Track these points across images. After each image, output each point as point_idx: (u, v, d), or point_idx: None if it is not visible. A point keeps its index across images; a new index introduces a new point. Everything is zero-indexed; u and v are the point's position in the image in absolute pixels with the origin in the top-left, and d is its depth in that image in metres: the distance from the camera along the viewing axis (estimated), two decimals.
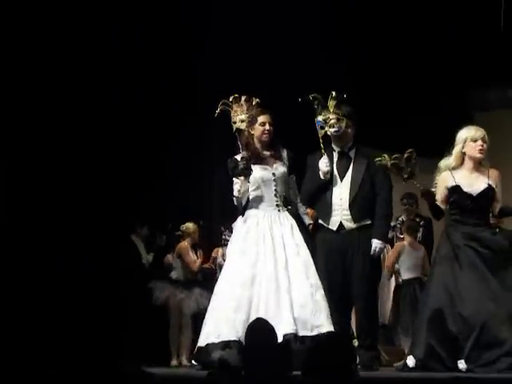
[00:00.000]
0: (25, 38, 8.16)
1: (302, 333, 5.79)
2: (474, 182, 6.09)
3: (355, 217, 6.27)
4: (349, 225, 6.29)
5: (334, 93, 6.23)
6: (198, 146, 9.64)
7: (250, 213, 6.14)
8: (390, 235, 7.76)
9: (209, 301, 6.26)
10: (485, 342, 5.77)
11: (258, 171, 6.11)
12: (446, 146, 6.22)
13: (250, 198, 6.15)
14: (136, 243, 9.15)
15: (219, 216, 9.41)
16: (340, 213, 6.30)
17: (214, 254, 9.21)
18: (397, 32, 9.56)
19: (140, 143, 9.15)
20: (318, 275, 6.04)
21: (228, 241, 6.68)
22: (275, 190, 6.17)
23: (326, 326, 5.85)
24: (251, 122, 6.15)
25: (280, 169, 6.21)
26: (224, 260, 7.00)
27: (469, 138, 6.09)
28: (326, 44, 9.50)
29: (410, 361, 5.96)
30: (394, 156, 5.98)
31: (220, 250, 8.95)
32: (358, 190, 6.29)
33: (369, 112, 8.13)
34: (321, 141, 6.30)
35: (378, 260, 6.46)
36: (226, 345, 5.74)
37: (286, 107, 7.47)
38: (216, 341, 5.81)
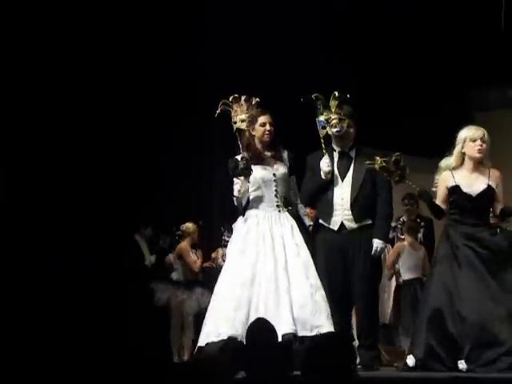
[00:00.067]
0: (25, 38, 8.16)
1: (301, 333, 5.79)
2: (474, 183, 6.08)
3: (356, 217, 6.27)
4: (350, 225, 6.29)
5: (336, 93, 6.23)
6: (198, 146, 9.64)
7: (250, 213, 6.14)
8: (390, 236, 7.76)
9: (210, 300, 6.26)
10: (484, 341, 5.76)
11: (258, 171, 6.11)
12: (447, 146, 6.22)
13: (251, 198, 6.15)
14: (139, 243, 9.15)
15: (219, 216, 9.40)
16: (341, 213, 6.30)
17: (214, 255, 9.22)
18: (397, 32, 9.57)
19: (140, 143, 9.16)
20: (318, 275, 6.04)
21: (228, 241, 6.68)
22: (276, 190, 6.16)
23: (326, 326, 5.84)
24: (251, 121, 6.15)
25: (281, 169, 6.20)
26: (224, 260, 7.00)
27: (468, 138, 6.09)
28: (326, 44, 9.51)
29: (410, 360, 5.96)
30: (383, 159, 5.96)
31: (220, 251, 8.96)
32: (360, 189, 6.29)
33: (369, 112, 8.13)
34: (322, 141, 6.30)
35: (378, 260, 6.46)
36: (225, 343, 5.74)
37: (287, 107, 7.48)
38: (216, 340, 5.81)
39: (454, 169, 6.13)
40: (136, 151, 9.10)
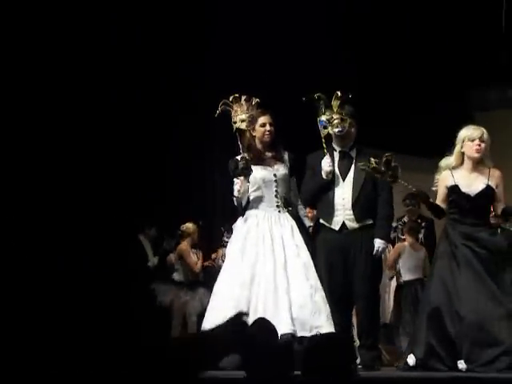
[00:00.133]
0: (25, 38, 8.16)
1: (300, 333, 5.79)
2: (473, 183, 6.08)
3: (358, 216, 6.26)
4: (351, 225, 6.28)
5: (338, 92, 6.22)
6: (198, 146, 9.64)
7: (250, 213, 6.14)
8: (391, 236, 7.76)
9: None
10: (483, 341, 5.76)
11: (259, 172, 6.11)
12: (447, 146, 6.22)
13: (251, 198, 6.15)
14: (143, 243, 9.15)
15: (220, 217, 9.41)
16: (343, 213, 6.29)
17: (214, 256, 9.22)
18: (397, 32, 9.58)
19: (139, 143, 9.15)
20: (319, 275, 6.04)
21: (228, 242, 6.68)
22: (276, 190, 6.16)
23: (325, 327, 5.84)
24: (251, 121, 6.14)
25: (281, 170, 6.20)
26: (223, 261, 7.00)
27: (466, 138, 6.09)
28: (326, 44, 9.51)
29: (411, 359, 5.97)
30: (375, 160, 5.95)
31: (220, 251, 8.95)
32: (361, 189, 6.28)
33: (369, 112, 8.13)
34: (323, 140, 6.29)
35: (379, 260, 6.45)
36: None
37: (287, 107, 7.48)
38: None
39: (453, 168, 6.13)
40: (136, 151, 9.10)
